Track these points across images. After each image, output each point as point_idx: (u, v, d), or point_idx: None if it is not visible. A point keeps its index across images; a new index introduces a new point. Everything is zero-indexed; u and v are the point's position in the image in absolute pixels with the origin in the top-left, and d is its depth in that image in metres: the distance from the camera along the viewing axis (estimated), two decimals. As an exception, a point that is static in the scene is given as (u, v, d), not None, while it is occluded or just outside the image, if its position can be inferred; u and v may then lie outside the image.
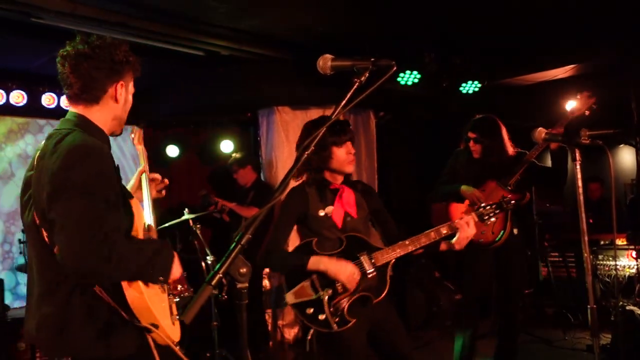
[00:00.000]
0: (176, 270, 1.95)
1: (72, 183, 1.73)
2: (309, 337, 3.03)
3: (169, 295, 2.02)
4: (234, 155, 5.84)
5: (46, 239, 1.82)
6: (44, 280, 1.87)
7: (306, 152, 1.57)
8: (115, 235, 1.74)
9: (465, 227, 2.71)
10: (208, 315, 4.38)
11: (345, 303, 2.62)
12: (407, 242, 2.71)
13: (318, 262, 2.64)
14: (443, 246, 2.78)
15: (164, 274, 1.88)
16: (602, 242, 5.82)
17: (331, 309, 2.61)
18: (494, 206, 2.88)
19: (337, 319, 2.60)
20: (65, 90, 1.97)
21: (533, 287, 6.55)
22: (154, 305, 1.86)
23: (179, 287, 3.87)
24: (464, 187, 3.90)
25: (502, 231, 3.78)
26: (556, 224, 6.51)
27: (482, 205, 2.91)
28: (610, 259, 5.66)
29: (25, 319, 1.93)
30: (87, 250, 1.67)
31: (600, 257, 5.73)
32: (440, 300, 5.92)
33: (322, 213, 2.78)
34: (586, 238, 2.56)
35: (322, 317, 2.61)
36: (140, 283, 1.82)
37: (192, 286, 4.14)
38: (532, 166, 3.85)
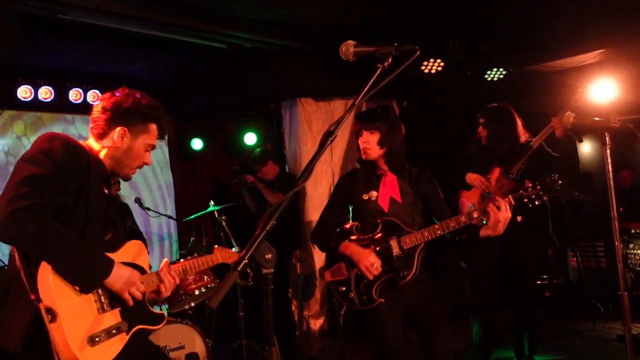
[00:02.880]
0: (114, 283, 2.03)
1: (28, 154, 1.98)
2: (342, 313, 3.24)
3: (119, 331, 2.05)
4: (252, 155, 5.85)
5: None
6: None
7: (329, 139, 1.57)
8: (44, 210, 1.89)
9: (495, 211, 2.62)
10: (235, 305, 4.43)
11: (374, 284, 2.81)
12: (436, 227, 2.77)
13: (346, 248, 2.87)
14: (482, 232, 2.74)
15: (82, 276, 1.95)
16: (633, 231, 5.69)
17: (360, 288, 2.83)
18: (538, 187, 2.74)
19: (364, 297, 2.82)
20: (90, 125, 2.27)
21: (563, 277, 6.46)
22: (67, 301, 1.91)
23: (206, 277, 3.92)
24: (468, 175, 3.90)
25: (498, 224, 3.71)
26: (586, 213, 6.39)
27: (525, 187, 2.81)
28: (642, 247, 5.54)
29: None
30: (9, 207, 1.83)
31: (631, 245, 5.61)
32: (467, 290, 5.87)
33: (365, 197, 2.95)
34: (617, 224, 2.50)
35: (351, 294, 2.86)
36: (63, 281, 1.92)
37: (219, 277, 4.18)
38: (542, 154, 3.79)
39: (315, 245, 3.13)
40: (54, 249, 1.90)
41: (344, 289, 2.88)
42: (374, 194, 2.94)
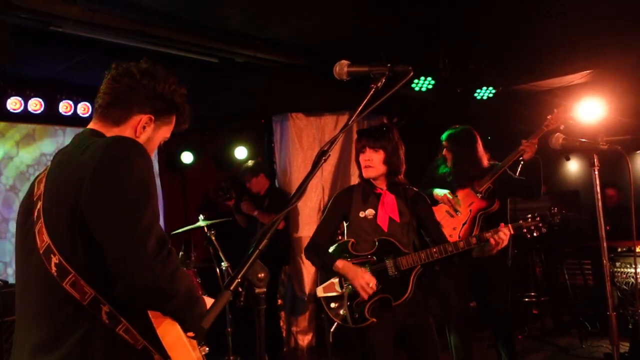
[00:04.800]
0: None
1: (128, 176, 1.45)
2: (332, 330, 3.25)
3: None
4: (245, 165, 5.86)
5: (53, 270, 1.49)
6: (45, 325, 1.51)
7: (323, 158, 1.57)
8: (174, 254, 1.49)
9: (496, 239, 2.74)
10: (222, 321, 4.39)
11: (367, 303, 2.80)
12: (434, 250, 2.81)
13: (341, 267, 2.86)
14: (475, 254, 2.84)
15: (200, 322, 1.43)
16: (619, 249, 5.74)
17: (353, 306, 2.82)
18: (537, 219, 2.87)
19: (356, 315, 2.82)
20: (96, 101, 1.74)
21: (551, 294, 6.49)
22: (193, 353, 1.52)
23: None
24: (435, 191, 3.98)
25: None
26: (573, 231, 6.44)
27: (525, 218, 2.91)
28: (628, 266, 5.58)
29: None
30: (159, 265, 1.41)
31: (617, 264, 5.66)
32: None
33: (362, 214, 2.95)
34: (605, 245, 2.53)
35: (342, 312, 2.85)
36: (177, 326, 1.52)
37: (207, 293, 4.14)
38: (506, 177, 3.93)
39: (309, 261, 3.11)
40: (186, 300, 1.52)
41: (336, 305, 2.88)
42: (371, 212, 2.93)
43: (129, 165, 1.46)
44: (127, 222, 1.41)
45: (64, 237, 1.49)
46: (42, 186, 1.60)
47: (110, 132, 1.68)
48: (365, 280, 2.77)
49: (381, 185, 2.97)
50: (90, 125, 1.72)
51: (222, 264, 4.56)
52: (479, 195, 3.90)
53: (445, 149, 4.13)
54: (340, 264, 2.86)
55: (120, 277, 1.41)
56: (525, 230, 2.85)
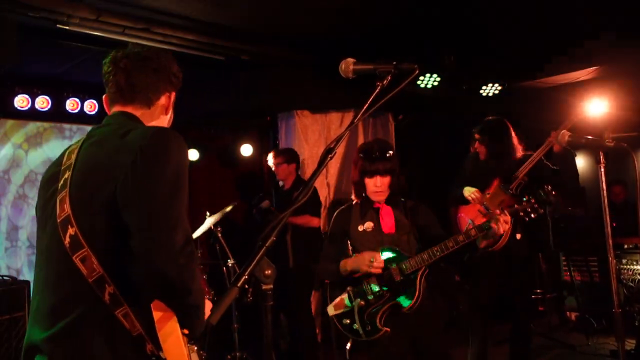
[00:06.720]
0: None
1: (168, 166, 1.48)
2: (348, 347, 3.22)
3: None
4: (280, 149, 5.50)
5: (67, 241, 1.51)
6: (49, 294, 1.56)
7: (329, 156, 1.58)
8: (196, 252, 1.54)
9: (495, 227, 2.68)
10: (229, 317, 4.41)
11: (379, 312, 2.78)
12: (435, 249, 2.77)
13: (344, 264, 2.89)
14: (482, 243, 2.78)
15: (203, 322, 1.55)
16: (625, 246, 5.73)
17: (364, 318, 2.79)
18: (532, 201, 2.79)
19: (368, 328, 2.77)
20: (111, 90, 1.74)
21: (556, 291, 6.48)
22: (185, 349, 1.52)
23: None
24: (466, 189, 3.88)
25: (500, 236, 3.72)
26: (579, 228, 6.42)
27: (519, 201, 2.84)
28: (635, 263, 5.56)
29: (28, 334, 1.58)
30: (183, 259, 1.42)
31: (624, 261, 5.64)
32: (461, 304, 5.88)
33: (360, 229, 2.97)
34: (610, 241, 2.53)
35: (355, 326, 2.81)
36: (176, 320, 1.50)
37: (213, 289, 4.17)
38: (539, 167, 3.77)
39: (324, 280, 3.05)
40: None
41: (348, 321, 2.85)
42: (369, 224, 2.95)
43: (170, 156, 1.49)
44: (160, 211, 1.43)
45: (87, 211, 1.50)
46: (73, 157, 1.62)
47: (144, 114, 1.72)
48: (368, 258, 2.77)
49: (378, 200, 2.98)
50: (118, 109, 1.73)
51: (229, 261, 4.58)
52: (510, 192, 3.75)
53: (477, 142, 3.98)
54: (342, 263, 2.89)
55: (143, 263, 1.42)
56: (522, 214, 2.78)
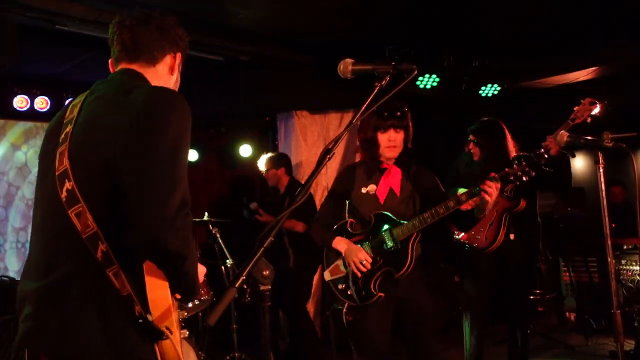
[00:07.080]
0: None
1: (170, 125, 1.46)
2: (345, 310, 3.29)
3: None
4: (267, 155, 5.39)
5: (63, 195, 1.48)
6: (41, 246, 1.55)
7: (327, 156, 1.58)
8: (191, 216, 1.47)
9: (485, 195, 2.67)
10: (227, 318, 4.41)
11: (372, 277, 2.82)
12: (426, 215, 2.77)
13: (338, 243, 2.91)
14: (466, 206, 2.75)
15: (196, 288, 1.57)
16: (625, 247, 5.72)
17: (359, 284, 2.84)
18: (523, 163, 2.71)
19: (363, 293, 2.83)
20: (116, 49, 1.72)
21: (556, 292, 6.47)
22: (175, 314, 1.52)
23: (200, 290, 3.90)
24: (459, 190, 3.86)
25: (495, 237, 3.72)
26: (578, 228, 6.42)
27: (510, 165, 2.76)
28: (634, 263, 5.56)
29: (20, 285, 1.59)
30: (178, 221, 1.40)
31: (623, 261, 5.64)
32: (460, 305, 5.88)
33: (364, 191, 2.96)
34: (609, 242, 2.52)
35: (350, 291, 2.87)
36: (167, 285, 1.48)
37: (212, 290, 4.16)
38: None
39: (312, 237, 3.07)
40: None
41: (343, 286, 2.90)
42: (373, 187, 2.94)
43: (172, 116, 1.47)
44: (160, 170, 1.41)
45: (86, 166, 1.49)
46: (75, 111, 1.60)
47: (148, 71, 1.70)
48: (358, 257, 2.80)
49: (387, 160, 2.96)
50: (123, 66, 1.71)
51: (227, 261, 4.58)
52: (504, 195, 3.71)
53: (471, 143, 3.96)
54: (337, 242, 2.91)
55: (138, 226, 1.40)
56: (512, 178, 2.69)
